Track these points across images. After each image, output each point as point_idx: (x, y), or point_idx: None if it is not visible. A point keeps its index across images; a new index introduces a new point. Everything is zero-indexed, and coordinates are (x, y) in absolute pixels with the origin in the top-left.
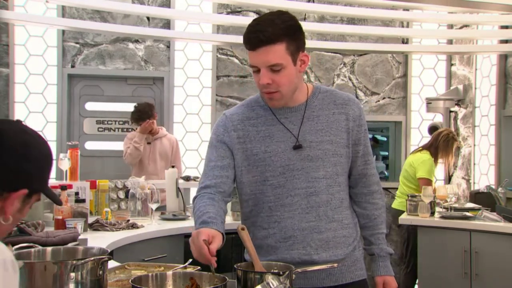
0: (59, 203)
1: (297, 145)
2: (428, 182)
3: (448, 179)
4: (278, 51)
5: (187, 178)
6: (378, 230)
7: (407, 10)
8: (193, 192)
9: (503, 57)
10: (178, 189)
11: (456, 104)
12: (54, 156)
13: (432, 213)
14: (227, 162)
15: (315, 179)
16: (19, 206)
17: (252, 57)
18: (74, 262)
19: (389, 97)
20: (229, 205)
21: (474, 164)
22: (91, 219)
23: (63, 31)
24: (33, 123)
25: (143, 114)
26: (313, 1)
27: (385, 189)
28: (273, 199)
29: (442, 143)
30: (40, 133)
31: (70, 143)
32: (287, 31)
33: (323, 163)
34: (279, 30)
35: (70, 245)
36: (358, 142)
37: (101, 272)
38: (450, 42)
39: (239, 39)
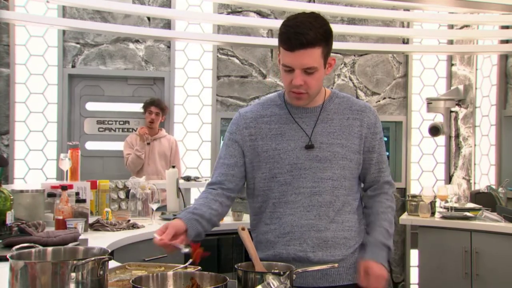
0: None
1: (309, 144)
2: None
3: (449, 179)
4: (315, 55)
5: (187, 178)
6: (379, 223)
7: (408, 10)
8: (193, 192)
9: (504, 57)
10: (178, 189)
11: (456, 104)
12: None
13: (433, 213)
14: (234, 161)
15: (321, 179)
16: None
17: (287, 58)
18: (75, 262)
19: (389, 97)
20: None
21: (475, 164)
22: (91, 219)
23: (64, 31)
24: (34, 123)
25: (156, 101)
26: (314, 1)
27: None
28: (278, 195)
29: None
30: None
31: (70, 143)
32: (324, 35)
33: (330, 164)
34: (318, 34)
35: (70, 245)
36: (372, 150)
37: (101, 272)
38: (450, 42)
39: (240, 39)
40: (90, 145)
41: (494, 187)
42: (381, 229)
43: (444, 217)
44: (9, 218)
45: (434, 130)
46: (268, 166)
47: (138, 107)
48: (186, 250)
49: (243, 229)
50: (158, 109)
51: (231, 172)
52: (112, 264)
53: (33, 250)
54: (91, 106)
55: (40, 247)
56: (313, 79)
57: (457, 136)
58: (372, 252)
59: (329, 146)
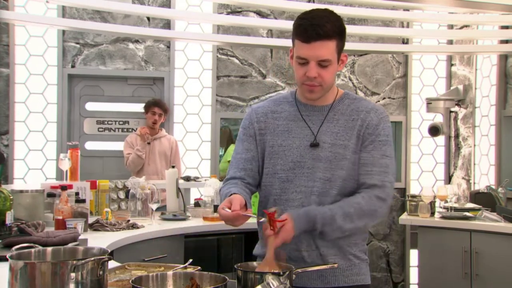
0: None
1: (314, 143)
2: None
3: (449, 179)
4: (331, 47)
5: (187, 178)
6: (330, 206)
7: (408, 10)
8: (193, 192)
9: (503, 57)
10: (178, 189)
11: (456, 104)
12: None
13: (432, 213)
14: (252, 155)
15: (320, 179)
16: None
17: (303, 49)
18: (75, 262)
19: (389, 97)
20: None
21: (474, 164)
22: (91, 219)
23: (64, 31)
24: (33, 123)
25: (160, 102)
26: (313, 1)
27: None
28: (279, 192)
29: None
30: None
31: (70, 143)
32: (339, 29)
33: (330, 165)
34: (334, 27)
35: (70, 245)
36: (364, 150)
37: (101, 272)
38: (450, 42)
39: (239, 39)
40: (90, 145)
41: (493, 187)
42: (326, 209)
43: (443, 217)
44: (9, 218)
45: (434, 130)
46: (272, 162)
47: (138, 107)
48: (263, 219)
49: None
50: (161, 110)
51: (249, 167)
52: (112, 264)
53: (32, 250)
54: (90, 106)
55: (40, 247)
56: (327, 72)
57: (457, 136)
58: (299, 215)
59: (331, 146)
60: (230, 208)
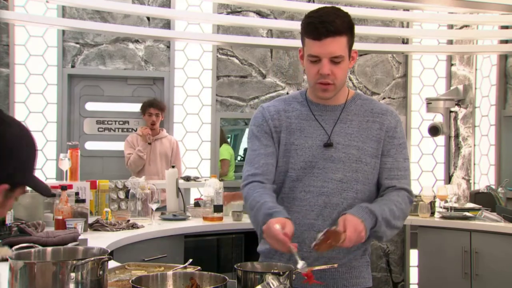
0: (47, 193)
1: (328, 143)
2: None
3: (449, 179)
4: (342, 43)
5: (187, 178)
6: (379, 202)
7: (407, 10)
8: (193, 192)
9: (503, 57)
10: (178, 189)
11: (456, 104)
12: (37, 146)
13: (432, 213)
14: (271, 151)
15: (331, 180)
16: (1, 200)
17: (315, 47)
18: (74, 262)
19: (389, 97)
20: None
21: (474, 164)
22: (91, 219)
23: (63, 31)
24: (33, 123)
25: (154, 102)
26: (313, 1)
27: None
28: (288, 191)
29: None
30: (22, 123)
31: (70, 143)
32: (349, 25)
33: (343, 166)
34: (344, 23)
35: (70, 245)
36: (387, 154)
37: (101, 272)
38: (450, 42)
39: (239, 39)
40: (90, 145)
41: (493, 187)
42: (376, 204)
43: (443, 217)
44: (9, 218)
45: (434, 130)
46: (284, 160)
47: (137, 107)
48: (303, 267)
49: None
50: (157, 109)
51: (270, 162)
52: (112, 264)
53: (32, 250)
54: (90, 106)
55: (40, 247)
56: (339, 69)
57: (457, 136)
58: (355, 211)
59: (345, 147)
60: (282, 228)
